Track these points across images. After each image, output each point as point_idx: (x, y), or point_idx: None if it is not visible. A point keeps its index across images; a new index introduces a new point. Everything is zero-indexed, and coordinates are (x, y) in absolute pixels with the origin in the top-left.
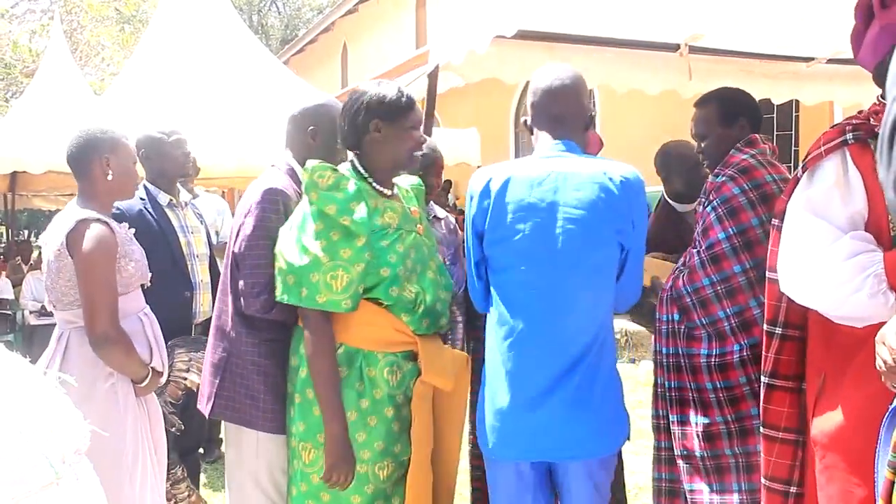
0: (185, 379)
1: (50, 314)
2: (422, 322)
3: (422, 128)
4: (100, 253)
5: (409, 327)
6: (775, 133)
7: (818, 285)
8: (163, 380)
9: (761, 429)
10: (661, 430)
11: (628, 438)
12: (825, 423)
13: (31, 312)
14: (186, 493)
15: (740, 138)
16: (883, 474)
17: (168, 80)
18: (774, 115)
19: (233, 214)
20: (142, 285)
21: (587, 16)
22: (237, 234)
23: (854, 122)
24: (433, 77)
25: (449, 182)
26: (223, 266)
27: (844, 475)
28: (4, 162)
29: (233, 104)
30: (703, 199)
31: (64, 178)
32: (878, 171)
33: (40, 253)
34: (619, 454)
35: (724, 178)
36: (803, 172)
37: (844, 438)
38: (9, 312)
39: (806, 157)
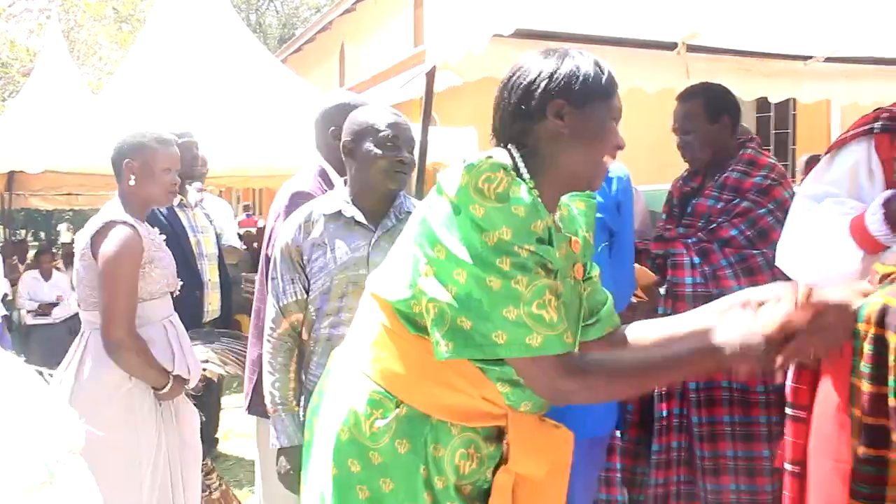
0: (205, 370)
1: (45, 314)
2: (521, 403)
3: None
4: (123, 256)
5: (504, 400)
6: (773, 131)
7: (793, 248)
8: (191, 385)
9: (788, 410)
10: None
11: (618, 427)
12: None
13: (27, 312)
14: (218, 483)
15: (724, 134)
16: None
17: (165, 79)
18: (772, 114)
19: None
20: (171, 293)
21: (585, 14)
22: (269, 237)
23: (889, 112)
24: (430, 76)
25: None
26: (260, 266)
27: (826, 453)
28: (1, 161)
29: (230, 103)
30: (732, 197)
31: (61, 178)
32: None
33: (37, 253)
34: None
35: (770, 182)
36: (826, 153)
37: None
38: (6, 312)
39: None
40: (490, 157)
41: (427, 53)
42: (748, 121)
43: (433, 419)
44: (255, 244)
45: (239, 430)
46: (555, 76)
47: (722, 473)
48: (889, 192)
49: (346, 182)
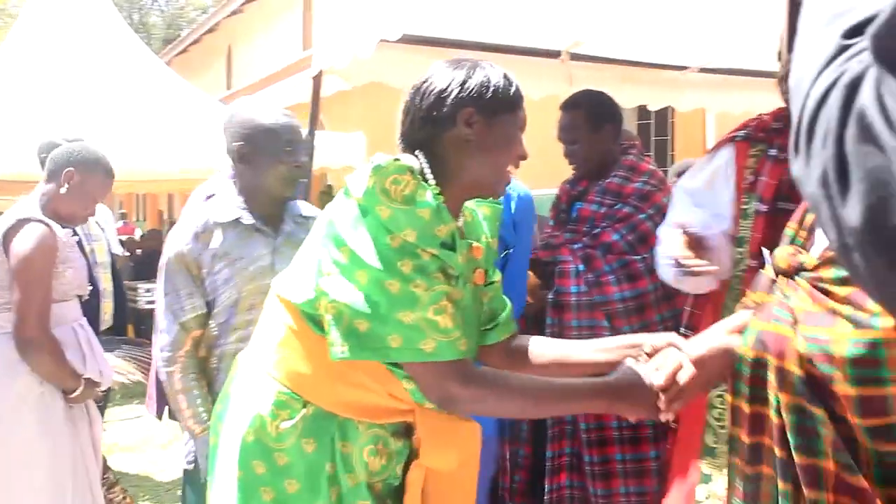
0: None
1: None
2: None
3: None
4: (37, 253)
5: (410, 396)
6: (653, 138)
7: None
8: (102, 389)
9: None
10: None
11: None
12: None
13: None
14: (121, 497)
15: (607, 142)
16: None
17: (40, 79)
18: (652, 121)
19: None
20: (80, 296)
21: (471, 21)
22: None
23: (758, 120)
24: (317, 81)
25: (330, 186)
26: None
27: (687, 448)
28: None
29: (111, 106)
30: (614, 202)
31: None
32: (793, 168)
33: None
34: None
35: (650, 188)
36: (706, 154)
37: (689, 413)
38: None
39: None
40: (398, 159)
41: (314, 58)
42: (629, 127)
43: (340, 417)
44: (139, 251)
45: (123, 444)
46: (466, 85)
47: (611, 477)
48: (680, 240)
49: (236, 186)
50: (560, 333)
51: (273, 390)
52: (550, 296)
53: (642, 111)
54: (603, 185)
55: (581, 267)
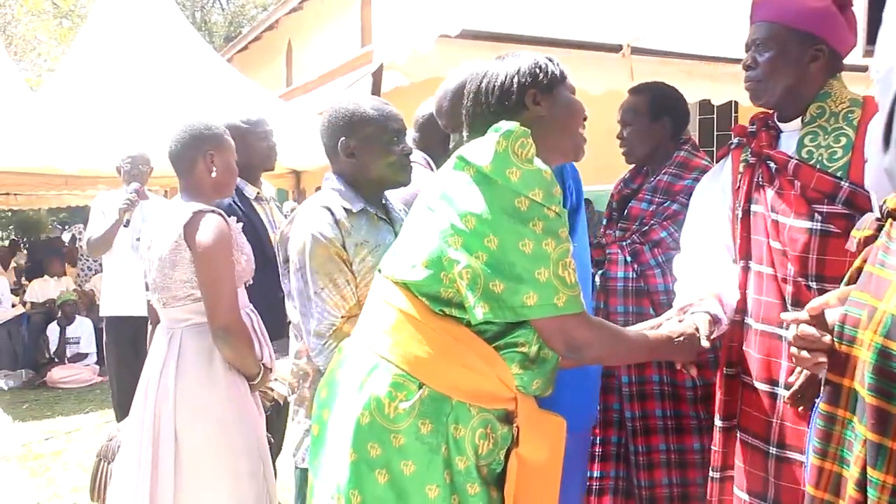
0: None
1: None
2: (533, 383)
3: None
4: (220, 243)
5: (515, 382)
6: (716, 133)
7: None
8: (272, 376)
9: (718, 422)
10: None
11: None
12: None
13: None
14: None
15: (662, 134)
16: (810, 461)
17: (107, 77)
18: (715, 116)
19: None
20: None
21: (531, 16)
22: None
23: (749, 124)
24: (377, 76)
25: None
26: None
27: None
28: None
29: (174, 103)
30: (664, 200)
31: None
32: (885, 160)
33: None
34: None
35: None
36: (716, 162)
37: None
38: None
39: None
40: (518, 123)
41: (374, 53)
42: (691, 122)
43: (453, 400)
44: None
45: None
46: (521, 72)
47: (655, 467)
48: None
49: (342, 180)
50: (606, 318)
51: (389, 373)
52: (598, 279)
53: (704, 105)
54: (653, 183)
55: (629, 258)
